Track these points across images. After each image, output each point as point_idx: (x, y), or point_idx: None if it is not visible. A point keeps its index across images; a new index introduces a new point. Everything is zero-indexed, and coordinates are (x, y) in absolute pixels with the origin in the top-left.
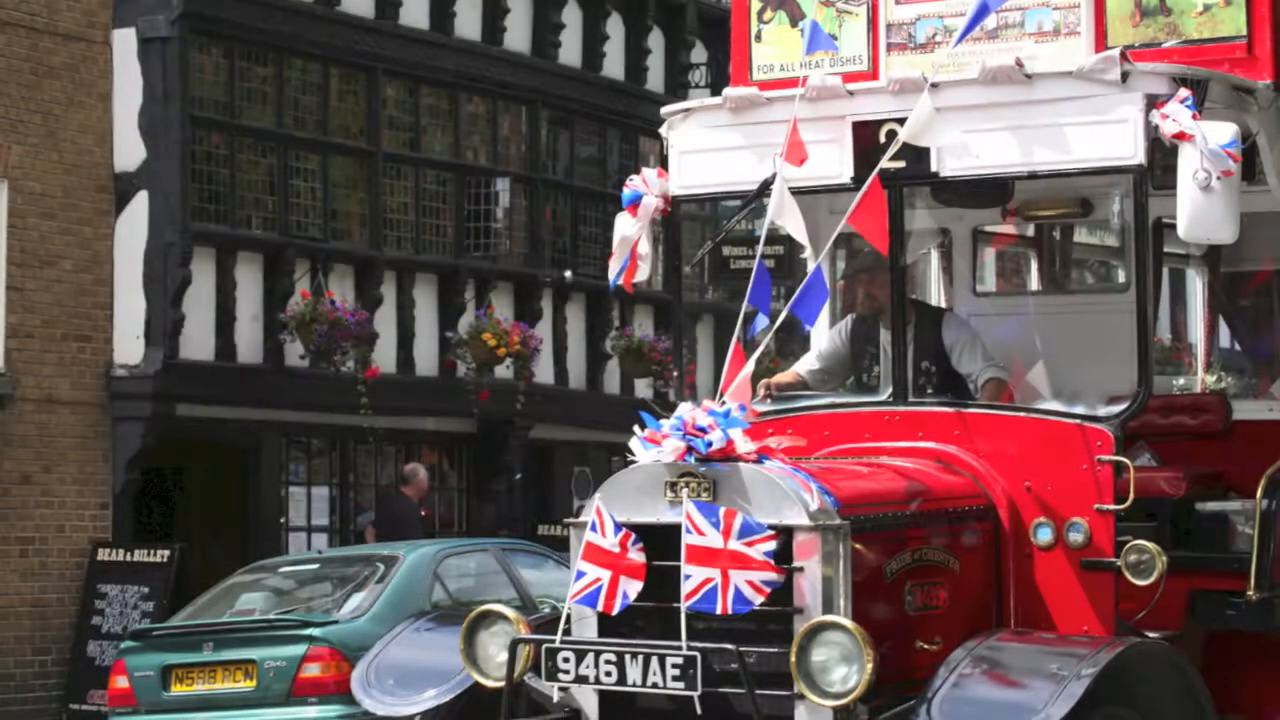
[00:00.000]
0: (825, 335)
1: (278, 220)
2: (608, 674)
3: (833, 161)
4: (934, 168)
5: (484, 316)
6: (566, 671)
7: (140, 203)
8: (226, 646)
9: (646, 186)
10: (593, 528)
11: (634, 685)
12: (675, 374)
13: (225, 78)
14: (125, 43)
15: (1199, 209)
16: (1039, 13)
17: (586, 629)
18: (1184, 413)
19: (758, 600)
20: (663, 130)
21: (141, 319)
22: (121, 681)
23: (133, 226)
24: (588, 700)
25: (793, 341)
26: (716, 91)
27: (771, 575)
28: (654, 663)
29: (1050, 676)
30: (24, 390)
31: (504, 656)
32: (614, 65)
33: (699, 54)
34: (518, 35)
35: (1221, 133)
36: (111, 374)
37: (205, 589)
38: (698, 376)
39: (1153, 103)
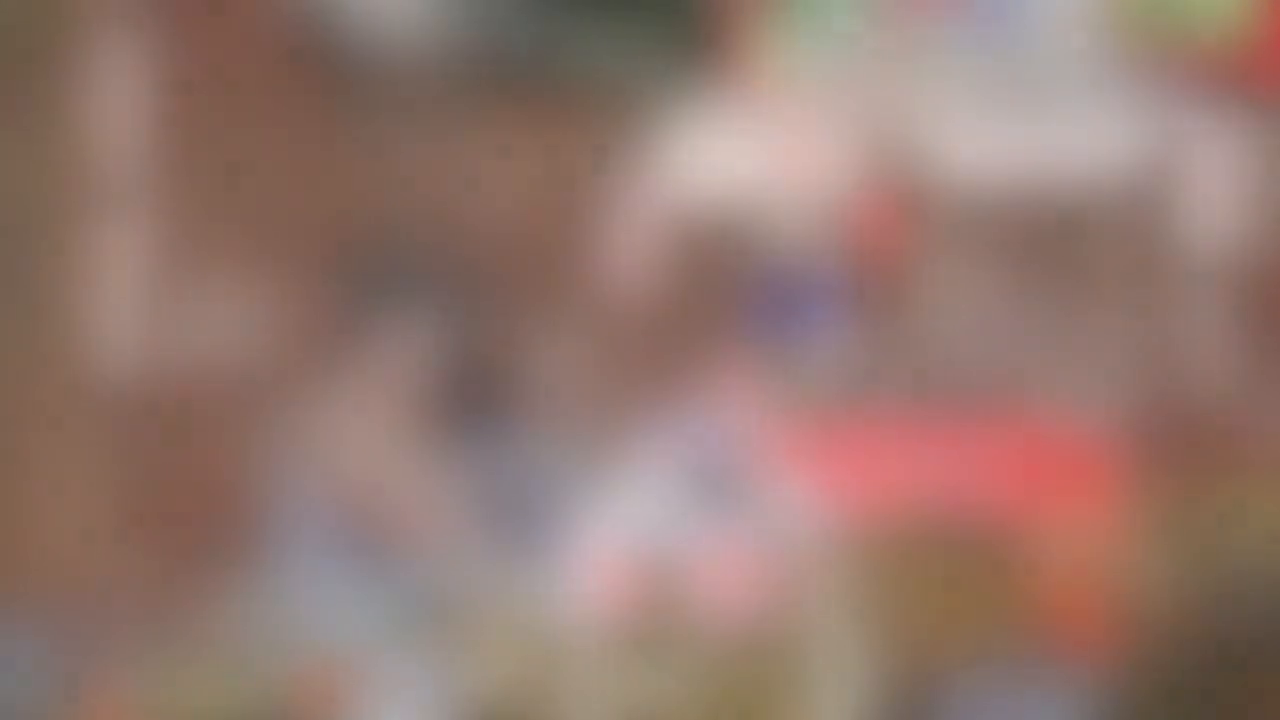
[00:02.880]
0: None
1: None
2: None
3: (836, 166)
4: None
5: None
6: None
7: (128, 211)
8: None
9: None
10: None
11: None
12: None
13: None
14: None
15: (1207, 215)
16: (1044, 16)
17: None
18: (1192, 421)
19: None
20: (663, 134)
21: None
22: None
23: (121, 235)
24: None
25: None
26: (718, 95)
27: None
28: None
29: (1053, 691)
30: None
31: None
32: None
33: (700, 57)
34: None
35: (1231, 138)
36: (95, 389)
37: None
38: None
39: (1160, 107)
